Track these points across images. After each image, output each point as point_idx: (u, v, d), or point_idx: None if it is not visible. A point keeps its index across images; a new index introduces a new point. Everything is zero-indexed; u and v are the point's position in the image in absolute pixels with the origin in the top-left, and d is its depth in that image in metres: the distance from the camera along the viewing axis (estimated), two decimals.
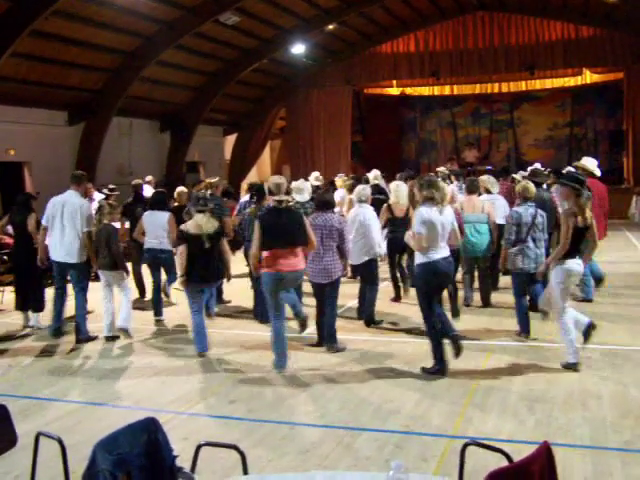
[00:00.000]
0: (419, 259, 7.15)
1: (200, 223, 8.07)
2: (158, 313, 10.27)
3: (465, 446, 3.68)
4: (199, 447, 3.73)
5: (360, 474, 4.25)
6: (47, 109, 17.68)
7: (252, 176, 26.58)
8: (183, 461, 3.72)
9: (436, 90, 28.43)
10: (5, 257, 13.31)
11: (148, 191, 15.67)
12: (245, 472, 3.68)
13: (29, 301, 10.13)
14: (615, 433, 5.51)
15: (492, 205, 10.21)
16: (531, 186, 8.65)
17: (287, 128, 28.42)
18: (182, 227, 8.24)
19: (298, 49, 22.75)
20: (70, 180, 9.58)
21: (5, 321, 10.69)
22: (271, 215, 7.48)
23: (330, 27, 22.87)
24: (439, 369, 7.18)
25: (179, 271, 8.33)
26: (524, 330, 8.49)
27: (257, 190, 9.94)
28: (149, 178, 16.22)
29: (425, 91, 28.66)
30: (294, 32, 22.05)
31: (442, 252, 7.13)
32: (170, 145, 22.58)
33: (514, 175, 13.32)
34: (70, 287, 9.51)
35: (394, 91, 28.87)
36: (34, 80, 16.67)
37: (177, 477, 3.49)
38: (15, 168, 17.74)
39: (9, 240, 14.27)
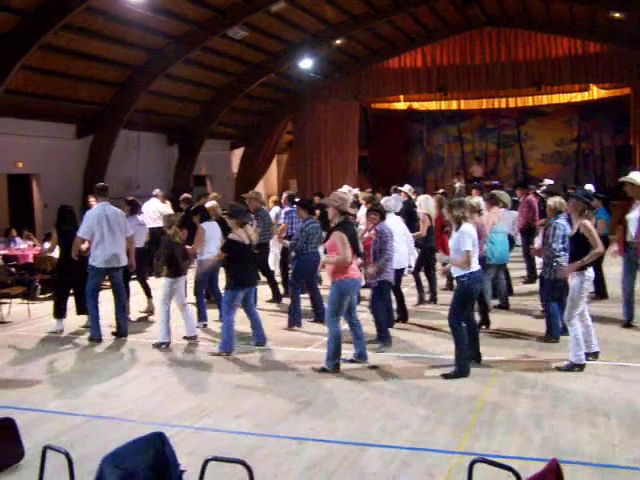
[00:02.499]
0: (461, 271, 7.63)
1: (249, 233, 8.95)
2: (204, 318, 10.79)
3: (473, 463, 3.66)
4: (206, 462, 3.72)
5: None
6: (56, 122, 17.76)
7: (259, 190, 26.56)
8: (189, 475, 3.71)
9: (443, 105, 28.44)
10: (13, 269, 13.35)
11: (155, 204, 15.72)
12: None
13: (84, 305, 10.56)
14: (623, 451, 5.48)
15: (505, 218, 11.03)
16: (564, 201, 8.94)
17: (294, 142, 28.44)
18: (233, 237, 8.92)
19: (305, 63, 22.81)
20: (98, 194, 10.29)
21: (11, 333, 10.70)
22: (348, 226, 8.03)
23: (337, 42, 22.94)
24: (460, 373, 7.57)
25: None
26: (554, 334, 8.93)
27: (307, 202, 11.14)
28: (156, 192, 16.24)
29: (432, 106, 28.68)
30: (301, 47, 22.11)
31: (477, 263, 7.78)
32: (177, 158, 22.65)
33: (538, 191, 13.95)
34: None
35: (401, 106, 28.92)
36: (43, 93, 16.76)
37: None
38: (23, 180, 17.82)
39: (17, 253, 14.37)
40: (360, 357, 8.19)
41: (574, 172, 27.05)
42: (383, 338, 8.92)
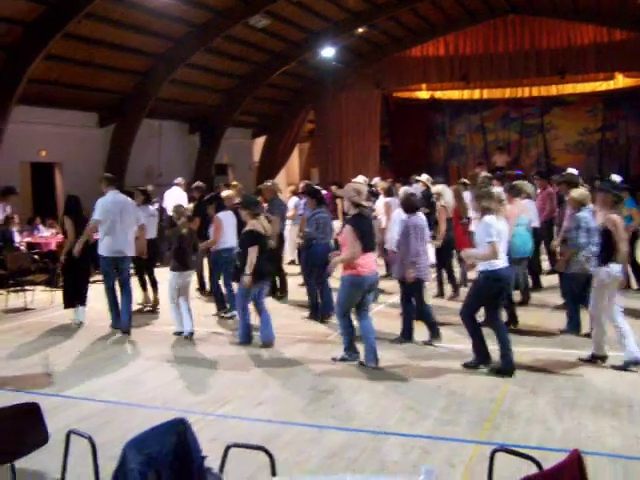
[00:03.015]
0: (481, 266, 7.37)
1: (264, 224, 8.70)
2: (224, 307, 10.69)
3: (494, 452, 3.66)
4: (228, 448, 3.74)
5: (389, 478, 4.24)
6: (78, 111, 17.86)
7: (281, 179, 26.59)
8: (211, 461, 3.73)
9: (466, 94, 28.20)
10: (36, 257, 13.47)
11: (177, 193, 15.77)
12: (273, 474, 3.69)
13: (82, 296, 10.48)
14: None
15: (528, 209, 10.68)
16: (588, 193, 8.74)
17: (316, 131, 28.40)
18: (252, 228, 8.64)
19: (327, 52, 22.74)
20: (108, 182, 10.08)
21: (38, 319, 10.82)
22: (361, 220, 7.70)
23: (359, 30, 22.84)
24: (481, 362, 7.45)
25: (248, 269, 8.59)
26: (573, 329, 8.77)
27: (316, 193, 10.64)
28: (178, 180, 16.28)
29: (455, 95, 28.46)
30: (324, 35, 22.03)
31: (504, 260, 7.42)
32: (199, 147, 22.69)
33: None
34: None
35: (423, 95, 28.72)
36: (66, 82, 16.85)
37: (205, 477, 3.51)
38: (46, 169, 17.96)
39: (40, 241, 14.49)
40: (368, 361, 7.75)
41: (598, 162, 26.75)
42: (405, 335, 8.77)
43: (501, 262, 7.32)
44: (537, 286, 11.65)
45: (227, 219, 10.49)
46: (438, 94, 28.60)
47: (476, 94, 28.11)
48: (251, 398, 6.84)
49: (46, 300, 12.01)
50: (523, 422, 5.96)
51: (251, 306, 8.92)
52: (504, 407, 6.35)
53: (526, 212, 10.27)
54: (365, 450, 5.44)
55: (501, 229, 7.36)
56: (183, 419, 3.63)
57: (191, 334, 9.30)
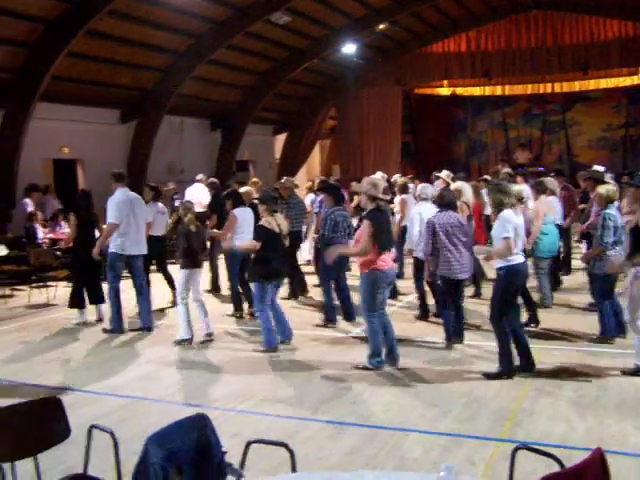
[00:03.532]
0: (499, 263, 7.19)
1: (279, 222, 8.54)
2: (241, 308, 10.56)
3: (515, 450, 3.63)
4: (249, 444, 3.75)
5: (409, 474, 4.21)
6: (100, 107, 17.98)
7: (301, 175, 26.60)
8: (231, 457, 3.73)
9: (487, 90, 28.07)
10: (59, 253, 13.56)
11: (199, 189, 15.79)
12: (293, 470, 3.69)
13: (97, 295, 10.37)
14: None
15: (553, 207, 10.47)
16: (615, 189, 8.56)
17: (337, 127, 28.38)
18: (263, 224, 8.51)
19: (348, 48, 22.71)
20: (118, 179, 9.81)
21: (59, 315, 10.89)
22: (380, 216, 7.51)
23: (381, 26, 22.78)
24: (504, 372, 7.13)
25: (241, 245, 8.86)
26: (607, 335, 8.32)
27: (335, 189, 10.43)
28: (200, 176, 16.31)
29: (476, 91, 28.33)
30: (344, 31, 22.01)
31: (521, 255, 7.26)
32: (220, 144, 22.75)
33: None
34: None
35: (445, 91, 28.62)
36: (88, 79, 16.98)
37: (226, 473, 3.51)
38: (69, 165, 18.09)
39: (63, 237, 14.59)
40: (388, 360, 7.59)
41: (621, 158, 26.51)
42: (448, 339, 8.52)
43: (518, 257, 7.17)
44: (557, 285, 11.37)
45: (244, 215, 10.14)
46: (459, 90, 28.49)
47: (498, 90, 27.96)
48: (271, 395, 6.84)
49: (68, 296, 12.06)
50: (545, 420, 5.91)
51: None
52: (525, 405, 6.31)
53: (551, 209, 10.11)
54: (385, 447, 5.43)
55: (518, 224, 7.21)
56: (204, 415, 3.64)
57: (210, 334, 9.10)
